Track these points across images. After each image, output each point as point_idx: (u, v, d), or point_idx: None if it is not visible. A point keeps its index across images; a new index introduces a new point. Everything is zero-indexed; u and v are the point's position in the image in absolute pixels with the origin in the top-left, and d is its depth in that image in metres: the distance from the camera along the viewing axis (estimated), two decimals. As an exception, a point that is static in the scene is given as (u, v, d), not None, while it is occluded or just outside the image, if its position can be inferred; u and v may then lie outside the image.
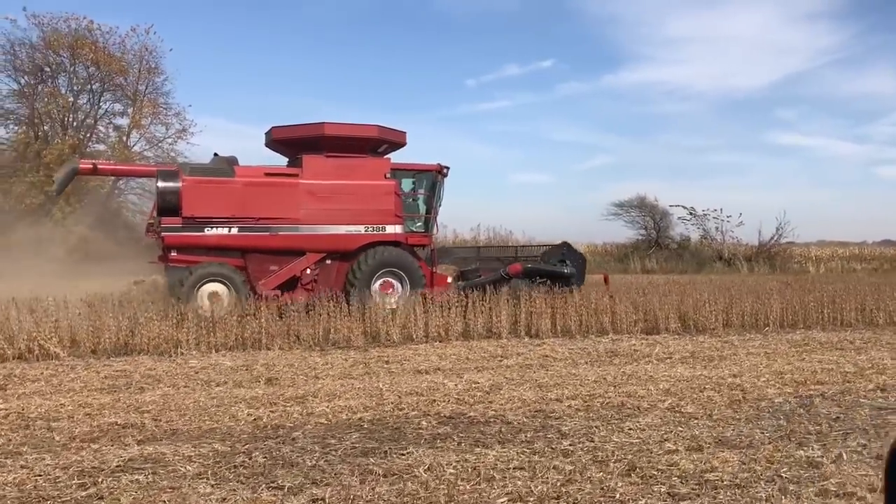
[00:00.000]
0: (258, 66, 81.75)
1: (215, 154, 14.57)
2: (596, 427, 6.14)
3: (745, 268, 31.80)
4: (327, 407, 6.99)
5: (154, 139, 30.58)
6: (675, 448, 5.48)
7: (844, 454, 5.24)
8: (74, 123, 29.27)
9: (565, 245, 16.51)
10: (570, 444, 5.63)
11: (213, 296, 13.23)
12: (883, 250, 39.43)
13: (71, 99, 29.05)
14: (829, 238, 47.42)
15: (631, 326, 12.59)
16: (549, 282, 14.52)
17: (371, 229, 14.33)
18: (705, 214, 35.73)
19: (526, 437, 5.90)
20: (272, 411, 6.85)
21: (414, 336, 11.70)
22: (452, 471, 4.96)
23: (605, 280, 16.18)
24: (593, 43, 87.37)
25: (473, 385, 8.03)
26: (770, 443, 5.60)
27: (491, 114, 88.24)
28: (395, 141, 15.16)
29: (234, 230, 13.65)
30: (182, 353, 10.28)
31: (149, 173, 13.36)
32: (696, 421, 6.37)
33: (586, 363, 9.61)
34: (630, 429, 6.08)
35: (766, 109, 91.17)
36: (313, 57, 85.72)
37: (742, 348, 10.83)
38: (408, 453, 5.38)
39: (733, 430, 6.02)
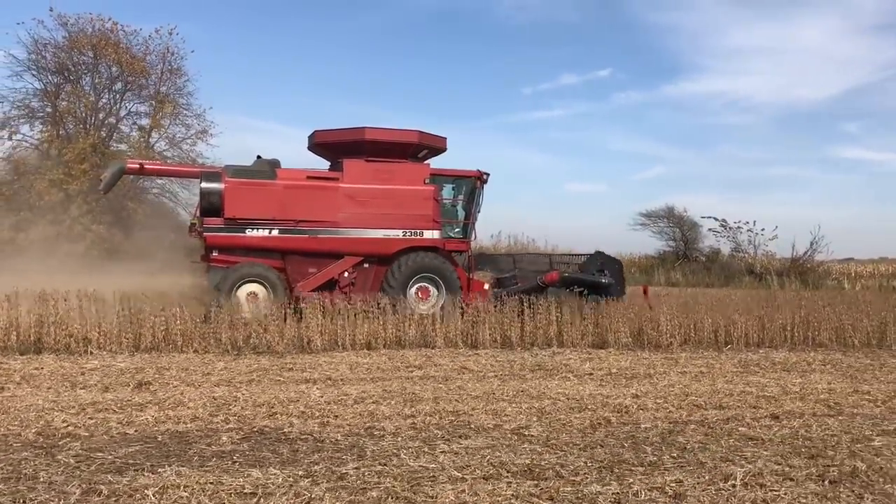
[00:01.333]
0: (316, 72, 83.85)
1: (258, 156, 14.67)
2: (406, 449, 5.78)
3: (776, 283, 30.85)
4: (153, 415, 6.82)
5: (174, 140, 30.72)
6: (462, 476, 5.11)
7: (631, 491, 4.84)
8: (96, 123, 29.46)
9: (599, 254, 16.77)
10: (354, 468, 5.28)
11: (252, 296, 13.49)
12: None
13: (93, 98, 29.19)
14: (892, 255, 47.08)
15: (578, 340, 12.26)
16: (586, 291, 14.58)
17: (409, 234, 14.52)
18: (738, 227, 35.13)
19: (318, 457, 5.57)
20: (88, 418, 6.64)
21: (339, 343, 11.49)
22: (185, 493, 4.64)
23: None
24: (653, 53, 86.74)
25: (340, 397, 7.81)
26: (577, 475, 5.20)
27: (547, 122, 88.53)
28: (435, 146, 15.31)
29: (275, 232, 13.86)
30: (91, 353, 10.26)
31: (193, 174, 13.62)
32: (525, 445, 6.01)
33: (497, 377, 9.28)
34: (442, 452, 5.76)
35: (828, 123, 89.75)
36: (370, 65, 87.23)
37: (679, 367, 10.40)
38: (161, 471, 5.07)
39: (558, 458, 5.63)
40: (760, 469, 5.37)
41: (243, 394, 7.91)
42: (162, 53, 29.78)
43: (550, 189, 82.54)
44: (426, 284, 14.58)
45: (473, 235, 15.74)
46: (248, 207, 13.81)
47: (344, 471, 5.22)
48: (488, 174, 15.52)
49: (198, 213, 14.19)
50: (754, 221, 34.71)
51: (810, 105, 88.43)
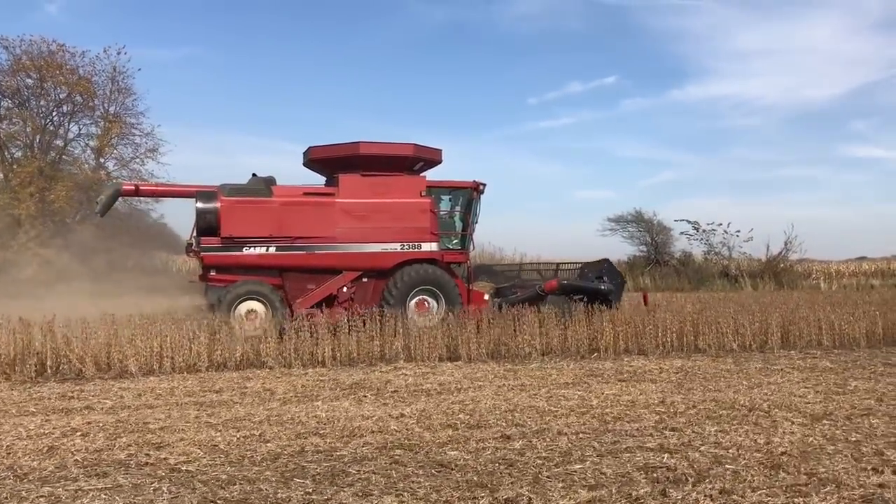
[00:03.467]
0: (322, 89, 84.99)
1: (253, 174, 14.57)
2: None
3: (749, 284, 30.78)
4: None
5: (122, 159, 30.46)
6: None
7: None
8: (42, 146, 29.11)
9: (606, 262, 16.71)
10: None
11: (251, 313, 13.36)
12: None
13: (39, 121, 29.01)
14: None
15: (427, 353, 11.65)
16: (585, 299, 14.27)
17: (407, 247, 14.46)
18: (712, 229, 35.12)
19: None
20: None
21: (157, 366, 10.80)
22: None
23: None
24: (658, 58, 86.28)
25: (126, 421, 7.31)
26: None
27: (554, 131, 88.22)
28: (430, 159, 15.17)
29: (272, 249, 13.81)
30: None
31: (188, 194, 14.01)
32: (177, 475, 5.49)
33: (282, 399, 8.51)
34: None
35: (837, 122, 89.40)
36: (376, 80, 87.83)
37: (509, 380, 9.74)
38: None
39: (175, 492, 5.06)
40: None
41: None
42: (110, 73, 29.86)
43: (558, 197, 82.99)
44: (425, 297, 14.50)
45: (471, 246, 15.73)
46: (244, 226, 13.75)
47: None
48: (485, 184, 15.50)
49: (194, 233, 14.01)
50: (728, 223, 34.75)
51: (819, 105, 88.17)
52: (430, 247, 14.66)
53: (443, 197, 15.49)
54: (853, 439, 6.39)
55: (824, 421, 7.13)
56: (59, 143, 30.35)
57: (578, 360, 11.60)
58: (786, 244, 34.06)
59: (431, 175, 15.44)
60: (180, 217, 30.13)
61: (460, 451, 6.12)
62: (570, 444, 6.31)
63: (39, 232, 26.36)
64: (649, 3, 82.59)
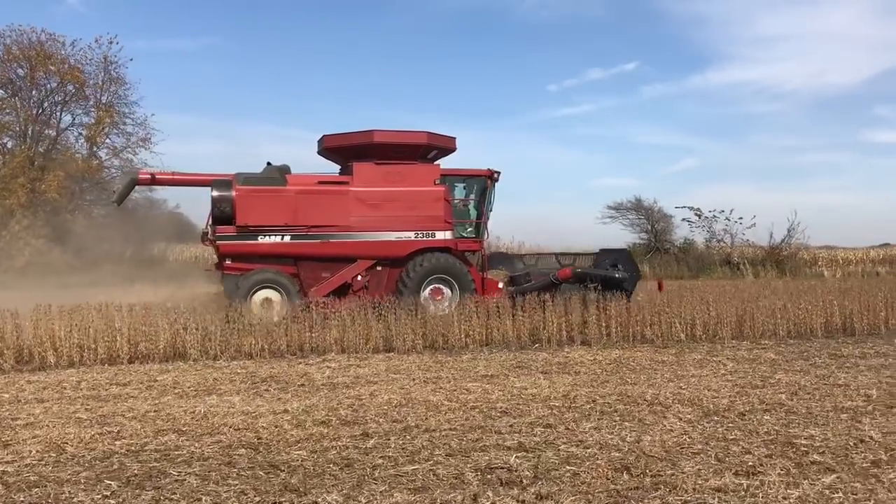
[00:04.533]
0: (341, 77, 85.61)
1: (268, 163, 14.61)
2: None
3: (751, 272, 30.14)
4: None
5: (115, 149, 30.93)
6: None
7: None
8: (34, 135, 29.59)
9: (625, 252, 16.75)
10: None
11: (266, 302, 13.49)
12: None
13: (31, 111, 29.44)
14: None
15: (362, 345, 11.30)
16: (600, 287, 14.20)
17: (421, 235, 14.51)
18: (714, 216, 34.61)
19: None
20: None
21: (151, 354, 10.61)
22: None
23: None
24: (679, 44, 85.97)
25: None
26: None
27: (574, 118, 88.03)
28: (445, 147, 15.16)
29: (287, 238, 13.91)
30: None
31: (204, 182, 14.13)
32: None
33: (206, 392, 8.24)
34: None
35: (862, 107, 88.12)
36: (395, 68, 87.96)
37: (468, 370, 9.53)
38: None
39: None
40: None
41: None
42: (102, 63, 30.33)
43: (579, 185, 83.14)
44: (440, 285, 14.50)
45: (486, 234, 15.70)
46: (259, 214, 13.83)
47: None
48: (499, 173, 15.44)
49: (210, 222, 14.16)
50: (731, 210, 34.26)
51: (842, 90, 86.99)
52: (444, 235, 14.67)
53: (457, 185, 15.46)
54: (731, 437, 6.07)
55: (715, 417, 6.81)
56: (52, 132, 30.44)
57: (516, 352, 11.21)
58: (789, 231, 33.65)
59: (446, 163, 15.45)
60: (195, 205, 30.49)
61: (307, 450, 5.85)
62: (427, 442, 6.03)
63: (31, 222, 26.49)
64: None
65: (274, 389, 8.43)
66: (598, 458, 5.50)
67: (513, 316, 12.36)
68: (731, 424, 6.55)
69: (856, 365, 9.68)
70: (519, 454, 5.65)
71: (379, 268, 14.70)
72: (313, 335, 11.44)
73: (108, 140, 31.08)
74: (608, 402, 7.53)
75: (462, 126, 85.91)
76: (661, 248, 36.15)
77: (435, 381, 8.78)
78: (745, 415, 6.92)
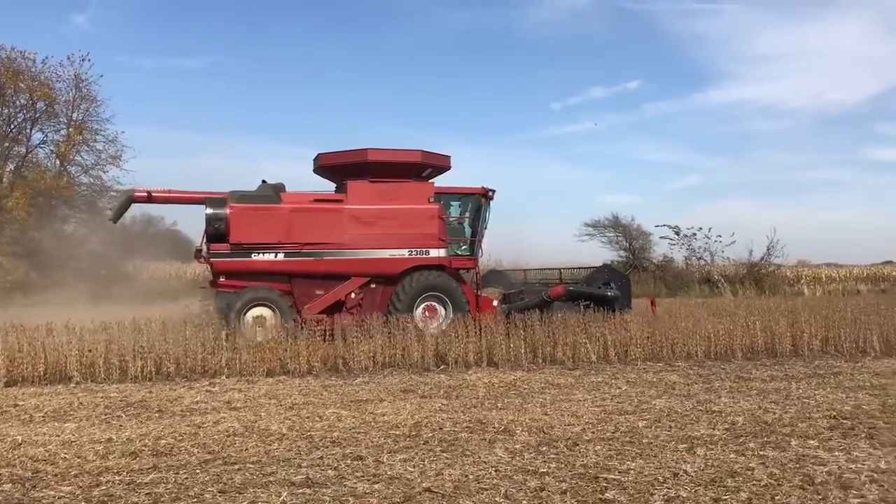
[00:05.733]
0: (349, 94, 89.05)
1: (263, 181, 14.63)
2: None
3: (728, 290, 29.89)
4: None
5: (85, 166, 30.87)
6: None
7: None
8: (2, 153, 29.47)
9: (606, 267, 17.23)
10: None
11: (259, 320, 13.35)
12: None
13: (2, 128, 29.33)
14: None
15: (255, 367, 10.85)
16: (592, 305, 14.38)
17: (415, 253, 14.43)
18: (693, 234, 34.12)
19: None
20: None
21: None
22: None
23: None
24: (681, 62, 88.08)
25: None
26: None
27: (577, 136, 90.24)
28: (439, 165, 15.15)
29: (281, 255, 13.87)
30: None
31: (199, 200, 13.83)
32: None
33: (59, 419, 7.87)
34: None
35: (863, 124, 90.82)
36: (400, 86, 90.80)
37: (345, 395, 9.16)
38: None
39: None
40: None
41: None
42: (73, 80, 30.25)
43: (584, 202, 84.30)
44: (433, 303, 14.44)
45: (480, 252, 15.62)
46: (253, 232, 13.79)
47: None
48: (494, 191, 15.36)
49: (204, 240, 14.18)
50: (710, 228, 33.59)
51: (844, 108, 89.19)
52: (438, 253, 14.57)
53: (452, 203, 15.38)
54: (542, 471, 5.75)
55: (546, 447, 6.49)
56: (22, 150, 30.14)
57: (418, 374, 10.72)
58: (768, 249, 33.33)
59: (442, 181, 15.44)
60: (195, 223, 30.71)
61: (77, 485, 5.49)
62: (214, 477, 5.67)
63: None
64: (672, 7, 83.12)
65: (128, 416, 7.91)
66: (374, 496, 5.20)
67: (420, 337, 11.98)
68: (553, 456, 6.17)
69: (750, 389, 9.29)
70: (297, 491, 5.32)
71: (373, 285, 14.57)
72: (206, 356, 10.86)
73: (77, 157, 30.91)
74: (454, 430, 7.15)
75: (465, 142, 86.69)
76: (640, 266, 35.95)
77: (299, 408, 8.32)
78: (577, 445, 6.55)
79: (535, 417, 7.76)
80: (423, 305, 14.58)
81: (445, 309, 14.62)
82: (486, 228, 15.53)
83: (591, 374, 10.73)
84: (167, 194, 14.63)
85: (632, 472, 5.74)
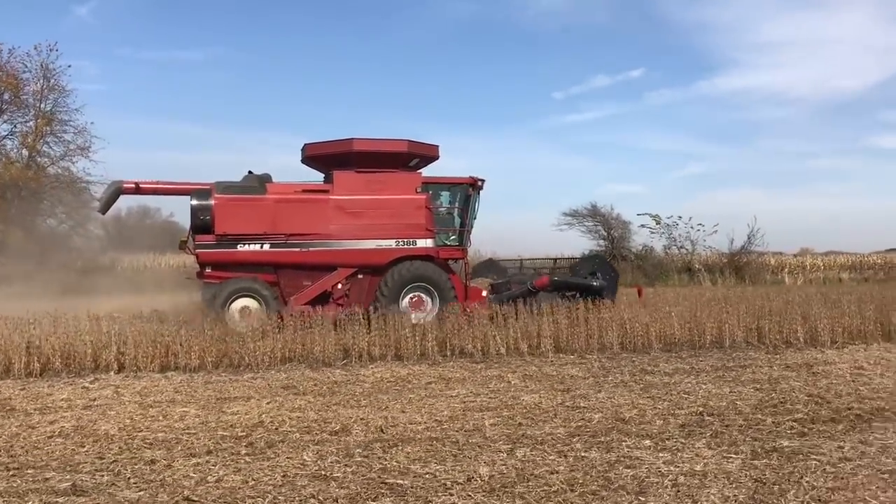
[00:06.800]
0: (352, 85, 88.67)
1: (249, 171, 14.50)
2: None
3: (707, 279, 29.32)
4: None
5: (53, 158, 30.59)
6: None
7: None
8: None
9: (597, 257, 17.34)
10: None
11: (245, 310, 13.22)
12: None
13: None
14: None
15: (196, 360, 10.39)
16: (578, 295, 14.22)
17: (402, 243, 14.28)
18: (674, 223, 33.37)
19: None
20: None
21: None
22: None
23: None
24: (685, 50, 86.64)
25: None
26: None
27: (580, 125, 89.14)
28: (427, 155, 14.95)
29: (266, 246, 13.72)
30: None
31: (187, 191, 13.92)
32: None
33: None
34: None
35: (869, 112, 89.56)
36: (404, 77, 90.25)
37: (218, 392, 8.79)
38: None
39: None
40: None
41: None
42: (41, 70, 29.79)
43: (588, 192, 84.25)
44: (420, 294, 14.25)
45: (469, 242, 15.38)
46: (238, 223, 13.62)
47: None
48: (483, 180, 15.08)
49: (190, 231, 14.05)
50: (690, 217, 32.82)
51: (850, 95, 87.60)
52: (425, 243, 14.35)
53: (441, 193, 15.18)
54: (334, 475, 5.49)
55: (359, 450, 6.15)
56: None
57: (316, 369, 10.22)
58: (749, 237, 32.59)
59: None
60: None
61: None
62: None
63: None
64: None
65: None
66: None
67: (335, 330, 11.68)
68: (361, 459, 5.84)
69: (639, 383, 8.94)
70: (52, 500, 5.04)
71: (360, 276, 14.38)
72: (96, 351, 10.11)
73: (45, 148, 30.45)
74: (287, 431, 6.77)
75: (466, 132, 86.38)
76: (619, 255, 34.97)
77: (154, 406, 7.93)
78: (396, 446, 6.21)
79: (390, 416, 7.34)
80: (409, 296, 14.34)
81: (432, 299, 14.40)
82: (475, 218, 15.26)
83: (493, 367, 10.28)
84: (155, 185, 14.53)
85: (427, 476, 5.38)
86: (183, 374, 9.95)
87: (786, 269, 33.97)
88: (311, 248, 13.98)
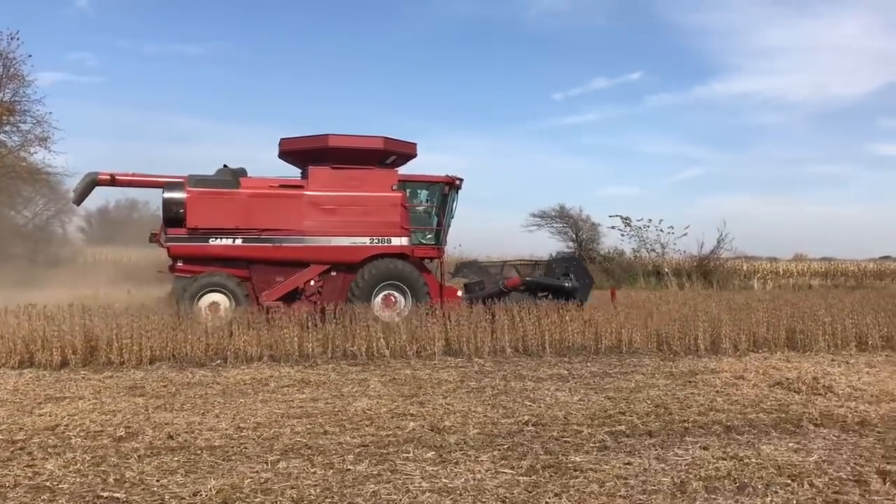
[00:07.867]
0: (351, 83, 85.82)
1: (224, 165, 14.27)
2: None
3: (675, 283, 28.67)
4: None
5: (10, 148, 29.84)
6: None
7: None
8: None
9: (575, 260, 17.40)
10: None
11: (213, 306, 13.00)
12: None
13: None
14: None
15: (128, 356, 10.16)
16: (550, 296, 14.03)
17: (376, 241, 14.05)
18: (644, 225, 32.86)
19: None
20: None
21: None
22: None
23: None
24: (684, 54, 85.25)
25: None
26: None
27: (579, 127, 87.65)
28: (404, 152, 14.66)
29: (239, 241, 13.48)
30: None
31: (159, 184, 13.90)
32: None
33: None
34: None
35: (866, 119, 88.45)
36: (404, 77, 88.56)
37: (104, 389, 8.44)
38: None
39: None
40: None
41: None
42: (0, 59, 28.73)
43: (585, 194, 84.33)
44: (392, 292, 14.00)
45: (445, 242, 15.13)
46: (210, 217, 13.37)
47: None
48: (461, 179, 14.81)
49: (162, 224, 13.80)
50: (661, 220, 32.30)
51: (847, 102, 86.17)
52: (400, 241, 14.09)
53: (419, 192, 14.91)
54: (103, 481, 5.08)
55: (127, 457, 5.77)
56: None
57: (183, 370, 9.84)
58: (718, 242, 32.11)
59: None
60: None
61: None
62: None
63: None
64: (675, -1, 79.93)
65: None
66: None
67: (268, 328, 11.42)
68: (107, 469, 5.48)
69: (493, 389, 8.59)
70: None
71: (333, 273, 14.10)
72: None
73: (2, 137, 29.87)
74: (71, 436, 6.37)
75: (466, 133, 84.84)
76: (587, 257, 33.64)
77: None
78: (158, 455, 5.83)
79: (198, 421, 6.88)
80: (381, 294, 14.07)
81: (405, 298, 14.10)
82: (452, 218, 14.95)
83: (369, 369, 9.85)
84: (130, 177, 14.37)
85: (154, 489, 5.05)
86: (43, 371, 9.58)
87: (757, 275, 33.61)
88: (284, 244, 13.67)
